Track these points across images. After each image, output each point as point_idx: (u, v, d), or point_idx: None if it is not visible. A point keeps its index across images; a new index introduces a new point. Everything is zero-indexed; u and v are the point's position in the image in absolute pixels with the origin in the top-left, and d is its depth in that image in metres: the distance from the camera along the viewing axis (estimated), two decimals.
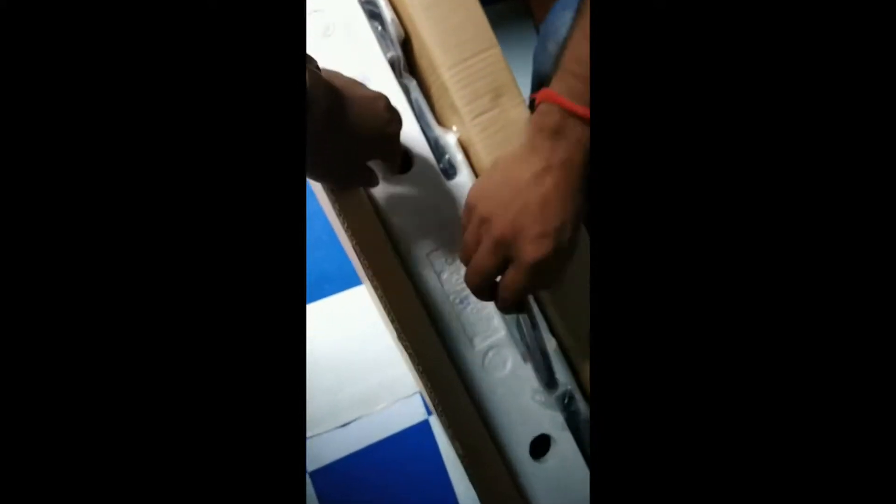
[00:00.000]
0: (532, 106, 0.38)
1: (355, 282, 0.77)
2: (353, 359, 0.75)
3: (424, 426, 0.79)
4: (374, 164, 0.41)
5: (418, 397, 0.79)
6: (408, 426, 0.77)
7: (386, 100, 0.38)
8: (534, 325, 0.45)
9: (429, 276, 0.43)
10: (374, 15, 0.44)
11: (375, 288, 0.40)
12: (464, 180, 0.44)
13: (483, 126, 0.42)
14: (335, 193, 0.39)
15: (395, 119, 0.39)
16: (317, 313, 0.75)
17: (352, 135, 0.35)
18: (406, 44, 0.46)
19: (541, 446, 0.46)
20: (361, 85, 0.38)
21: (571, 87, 0.32)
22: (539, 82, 0.59)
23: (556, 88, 0.33)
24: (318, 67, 0.33)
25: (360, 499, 0.73)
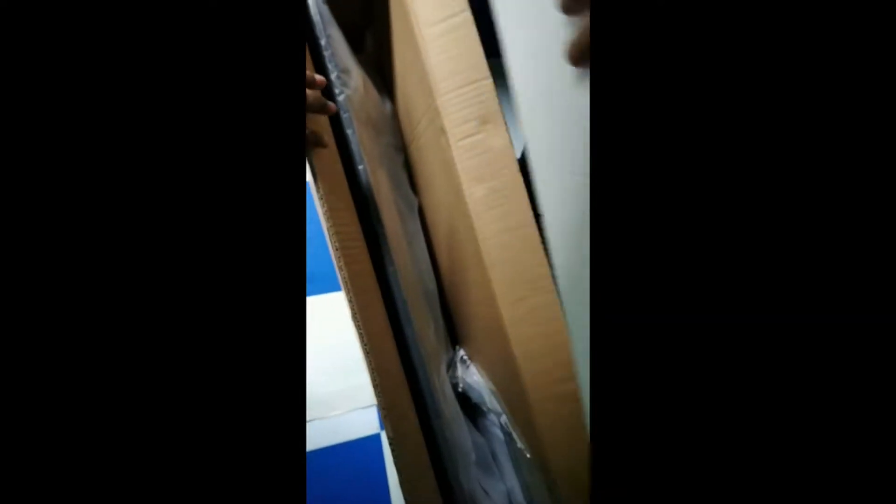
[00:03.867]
0: None
1: (335, 287, 0.80)
2: (318, 362, 0.77)
3: (375, 440, 0.80)
4: None
5: (374, 410, 0.80)
6: (359, 437, 0.78)
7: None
8: None
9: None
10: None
11: (347, 292, 0.43)
12: None
13: (465, 148, 0.46)
14: (325, 195, 0.42)
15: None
16: None
17: None
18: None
19: None
20: None
21: None
22: None
23: None
24: None
25: None
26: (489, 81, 0.45)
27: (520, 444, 0.51)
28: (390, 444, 0.43)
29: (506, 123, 0.46)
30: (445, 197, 0.51)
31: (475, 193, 0.46)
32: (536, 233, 0.46)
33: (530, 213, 0.46)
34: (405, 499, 0.43)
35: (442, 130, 0.47)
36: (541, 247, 0.46)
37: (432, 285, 0.58)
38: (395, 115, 0.63)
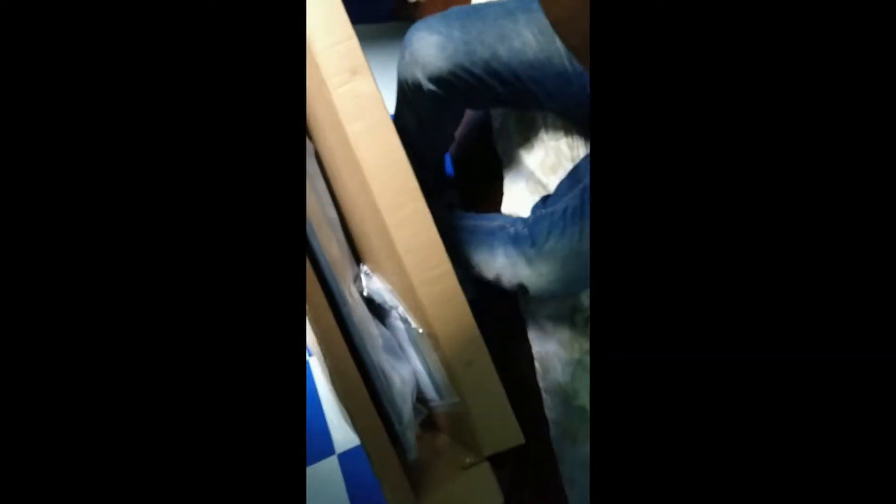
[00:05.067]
0: None
1: None
2: None
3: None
4: None
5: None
6: None
7: None
8: None
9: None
10: None
11: None
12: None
13: (342, 95, 0.59)
14: None
15: None
16: None
17: None
18: None
19: None
20: None
21: None
22: (400, 81, 0.77)
23: None
24: None
25: None
26: (355, 41, 0.58)
27: (414, 325, 0.65)
28: (314, 331, 0.56)
29: (371, 74, 0.59)
30: (332, 135, 0.64)
31: (354, 128, 0.59)
32: (405, 156, 0.59)
33: (398, 141, 0.59)
34: (328, 368, 0.57)
35: (323, 82, 0.59)
36: (409, 166, 0.59)
37: (333, 213, 0.71)
38: None
